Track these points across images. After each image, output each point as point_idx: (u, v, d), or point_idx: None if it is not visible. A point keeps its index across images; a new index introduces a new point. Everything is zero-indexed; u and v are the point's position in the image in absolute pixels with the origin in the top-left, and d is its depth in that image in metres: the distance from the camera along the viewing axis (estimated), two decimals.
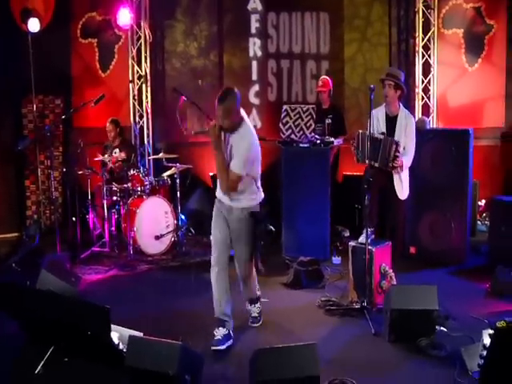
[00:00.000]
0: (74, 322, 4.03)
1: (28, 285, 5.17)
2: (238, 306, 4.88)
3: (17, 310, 4.38)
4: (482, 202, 8.11)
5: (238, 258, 4.65)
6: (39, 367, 4.00)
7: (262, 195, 4.64)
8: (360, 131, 5.93)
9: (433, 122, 8.20)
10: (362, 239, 5.27)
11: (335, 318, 5.08)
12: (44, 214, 8.70)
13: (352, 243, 5.37)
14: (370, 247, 5.06)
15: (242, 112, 4.39)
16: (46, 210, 8.71)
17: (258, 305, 4.97)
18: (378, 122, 6.01)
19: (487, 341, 3.79)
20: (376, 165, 5.87)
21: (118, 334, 4.09)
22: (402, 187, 6.09)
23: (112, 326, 4.03)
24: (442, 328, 4.53)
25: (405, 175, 6.10)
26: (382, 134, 5.96)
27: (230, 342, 4.46)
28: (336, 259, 6.70)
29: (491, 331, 3.74)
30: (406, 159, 5.98)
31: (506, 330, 3.73)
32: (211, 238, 4.63)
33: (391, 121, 6.08)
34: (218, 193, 4.62)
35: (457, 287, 5.78)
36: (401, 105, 6.16)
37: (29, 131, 8.75)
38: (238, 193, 4.44)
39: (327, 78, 7.63)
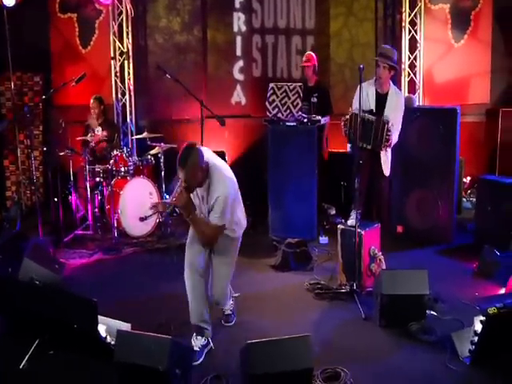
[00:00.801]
0: (60, 315, 3.97)
1: (10, 273, 5.07)
2: None
3: (1, 301, 4.30)
4: (467, 179, 8.12)
5: (216, 277, 4.32)
6: (24, 361, 3.94)
7: (244, 224, 4.38)
8: (353, 112, 5.82)
9: (419, 99, 8.16)
10: (351, 222, 5.23)
11: (324, 301, 5.06)
12: (24, 194, 8.52)
13: (341, 226, 5.32)
14: (359, 230, 5.01)
15: (206, 153, 4.04)
16: (27, 190, 8.50)
17: (230, 302, 4.68)
18: (367, 98, 5.93)
19: (478, 327, 3.80)
20: (368, 147, 5.82)
21: (105, 327, 4.03)
22: (388, 164, 6.07)
23: (99, 317, 3.98)
24: (432, 312, 4.53)
25: (388, 152, 6.06)
26: (371, 111, 5.88)
27: (208, 348, 4.21)
28: (323, 239, 6.68)
29: (482, 318, 3.75)
30: (394, 137, 5.93)
31: (497, 317, 3.75)
32: (188, 238, 4.32)
33: (381, 98, 6.01)
34: None
35: (445, 268, 5.77)
36: (391, 82, 6.10)
37: (7, 110, 8.52)
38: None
39: (312, 53, 7.49)
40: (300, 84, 6.63)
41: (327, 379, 3.66)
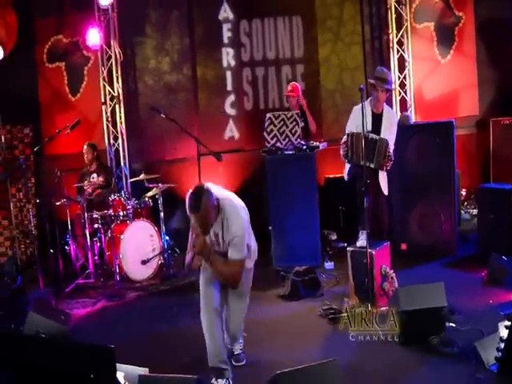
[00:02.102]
0: (74, 366, 3.82)
1: (13, 328, 4.96)
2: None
3: (7, 360, 4.17)
4: (463, 191, 8.13)
5: (233, 312, 4.27)
6: None
7: (256, 252, 4.33)
8: (353, 132, 5.82)
9: (411, 116, 8.18)
10: (360, 243, 5.18)
11: (339, 325, 4.88)
12: (19, 249, 8.32)
13: (350, 248, 5.27)
14: (369, 250, 4.96)
15: (213, 189, 3.96)
16: (21, 244, 8.30)
17: (240, 341, 4.50)
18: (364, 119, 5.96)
19: (504, 333, 3.71)
20: (372, 166, 5.80)
21: (123, 374, 3.89)
22: (386, 184, 6.07)
23: (117, 364, 3.82)
24: (450, 324, 4.45)
25: (384, 172, 6.05)
26: (369, 132, 5.89)
27: None
28: (329, 264, 6.60)
29: (508, 323, 3.68)
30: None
31: None
32: (201, 278, 4.17)
33: (377, 118, 6.04)
34: None
35: (453, 279, 5.66)
36: (384, 102, 6.16)
37: None
38: None
39: (297, 84, 7.45)
40: (297, 111, 6.65)
41: None
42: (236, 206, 3.98)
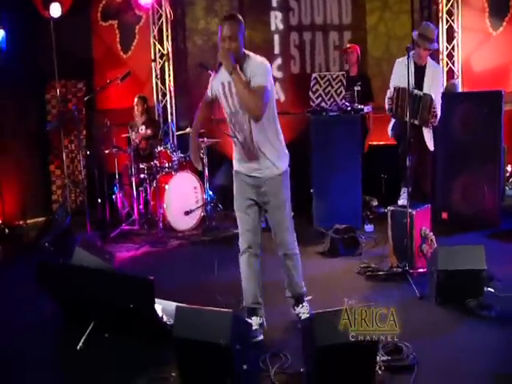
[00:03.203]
0: (116, 296, 3.98)
1: (61, 262, 5.19)
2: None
3: (57, 288, 4.37)
4: (509, 168, 7.99)
5: (278, 227, 4.12)
6: (80, 343, 3.98)
7: (287, 153, 4.15)
8: (400, 87, 5.80)
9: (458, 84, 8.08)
10: (402, 201, 5.19)
11: (377, 283, 5.03)
12: (70, 197, 8.60)
13: (391, 207, 5.28)
14: (410, 210, 4.98)
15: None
16: (72, 193, 8.72)
17: (305, 304, 4.33)
18: (405, 71, 5.92)
19: None
20: (416, 122, 5.79)
21: (161, 307, 4.04)
22: (431, 140, 6.06)
23: (156, 299, 4.00)
24: (489, 289, 4.44)
25: (431, 128, 6.07)
26: (413, 87, 5.82)
27: (263, 328, 4.13)
28: (369, 227, 6.66)
29: None
30: (438, 111, 5.91)
31: None
32: (237, 218, 4.15)
33: (419, 71, 6.02)
34: (243, 165, 4.09)
35: (495, 250, 5.60)
36: (428, 56, 6.13)
37: (52, 116, 8.77)
38: (269, 150, 3.98)
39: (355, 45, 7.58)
40: (343, 72, 6.70)
41: (389, 353, 3.57)
42: (264, 62, 3.85)
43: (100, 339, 4.08)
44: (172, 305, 4.03)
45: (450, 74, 8.21)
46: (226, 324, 3.31)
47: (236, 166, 4.17)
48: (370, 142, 7.64)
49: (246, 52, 3.88)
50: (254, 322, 4.11)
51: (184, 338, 3.38)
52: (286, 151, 4.14)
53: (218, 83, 3.96)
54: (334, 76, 6.55)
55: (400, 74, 5.66)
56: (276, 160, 4.03)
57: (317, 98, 6.62)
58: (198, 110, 4.26)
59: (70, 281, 4.28)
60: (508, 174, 7.99)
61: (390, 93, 5.92)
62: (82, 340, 4.00)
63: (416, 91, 5.74)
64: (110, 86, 7.31)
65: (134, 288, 4.00)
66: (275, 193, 4.06)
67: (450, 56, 8.17)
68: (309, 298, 4.42)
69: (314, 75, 6.68)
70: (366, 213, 6.98)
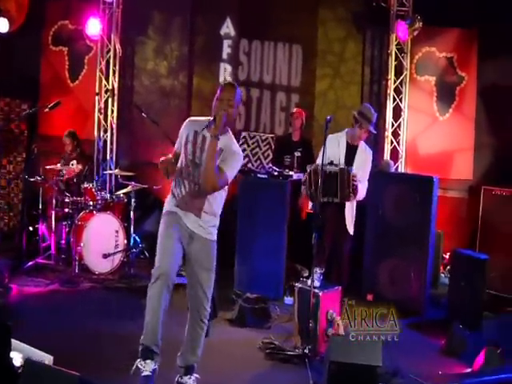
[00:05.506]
0: None
1: None
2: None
3: None
4: (447, 255, 7.84)
5: (199, 285, 3.98)
6: None
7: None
8: (312, 166, 5.69)
9: (401, 168, 8.02)
10: (310, 281, 4.95)
11: (275, 362, 4.76)
12: (2, 219, 8.58)
13: (299, 284, 5.07)
14: (316, 290, 4.76)
15: None
16: (5, 215, 8.55)
17: (193, 377, 4.09)
18: (338, 148, 5.90)
19: None
20: (336, 200, 5.65)
21: (21, 355, 3.70)
22: (352, 222, 5.93)
23: (23, 345, 3.74)
24: None
25: (353, 209, 5.94)
26: (331, 163, 5.70)
27: (156, 375, 3.83)
28: (288, 299, 6.34)
29: None
30: (361, 190, 5.78)
31: None
32: (158, 244, 3.98)
33: (351, 149, 5.96)
34: (181, 209, 3.99)
35: (412, 341, 5.44)
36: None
37: None
38: (209, 214, 3.98)
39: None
40: (272, 135, 6.59)
41: None
42: (240, 156, 4.04)
43: None
44: (38, 355, 3.77)
45: (395, 153, 8.09)
46: None
47: (171, 207, 4.05)
48: (308, 210, 7.45)
49: (232, 135, 4.05)
50: (148, 366, 3.76)
51: None
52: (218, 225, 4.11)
53: (193, 129, 4.01)
54: (263, 138, 6.45)
55: (330, 151, 5.52)
56: (211, 226, 4.04)
57: (243, 158, 6.43)
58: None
59: None
60: (445, 261, 7.85)
61: (304, 176, 5.80)
62: None
63: (330, 168, 5.61)
64: (46, 112, 7.27)
65: None
66: (206, 252, 4.02)
67: (396, 134, 8.08)
68: (197, 376, 4.12)
69: (243, 134, 6.58)
70: (291, 283, 6.69)
